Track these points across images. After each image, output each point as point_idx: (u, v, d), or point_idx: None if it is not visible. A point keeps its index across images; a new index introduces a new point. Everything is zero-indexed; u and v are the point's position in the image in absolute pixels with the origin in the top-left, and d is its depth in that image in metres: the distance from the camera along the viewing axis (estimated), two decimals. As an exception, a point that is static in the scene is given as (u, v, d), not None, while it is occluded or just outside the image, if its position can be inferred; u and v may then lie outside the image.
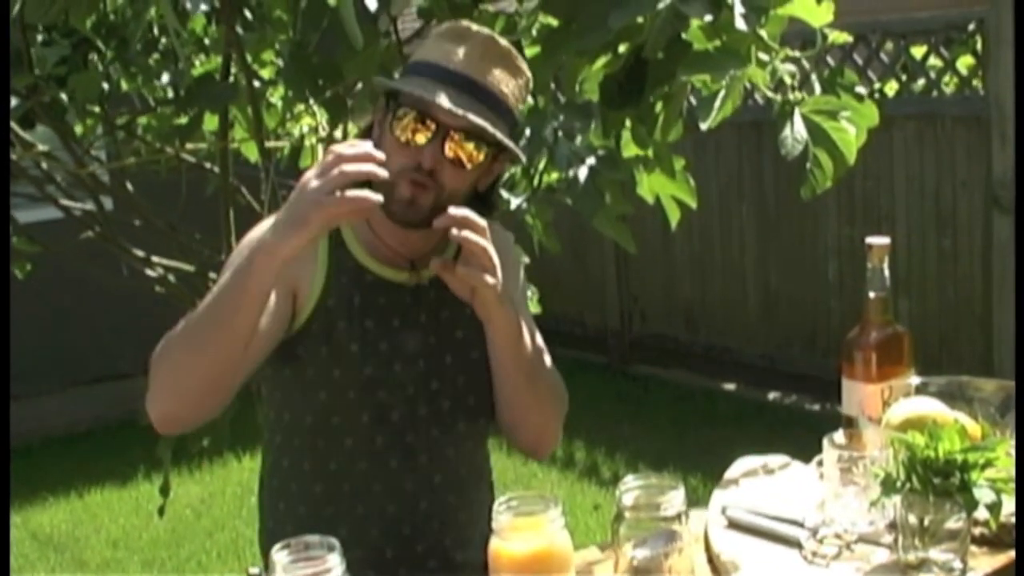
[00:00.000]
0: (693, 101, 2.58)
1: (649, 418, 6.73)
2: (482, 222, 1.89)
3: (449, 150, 1.95)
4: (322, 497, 2.09)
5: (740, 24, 2.12)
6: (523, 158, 2.10)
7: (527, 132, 2.99)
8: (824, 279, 6.54)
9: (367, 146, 1.80)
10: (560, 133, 2.85)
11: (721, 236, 7.09)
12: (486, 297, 1.95)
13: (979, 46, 5.65)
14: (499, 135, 1.95)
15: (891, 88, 6.13)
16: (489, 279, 1.90)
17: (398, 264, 2.08)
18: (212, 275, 3.57)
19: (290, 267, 1.93)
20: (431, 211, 1.96)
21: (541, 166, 3.07)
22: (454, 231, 1.87)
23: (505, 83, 1.99)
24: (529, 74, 2.06)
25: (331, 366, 2.02)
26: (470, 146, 1.95)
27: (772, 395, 6.87)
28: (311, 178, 1.76)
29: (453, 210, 1.88)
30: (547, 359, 2.20)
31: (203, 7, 2.26)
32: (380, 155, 1.79)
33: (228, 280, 1.88)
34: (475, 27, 2.00)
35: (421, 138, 1.94)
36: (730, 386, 7.13)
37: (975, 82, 5.76)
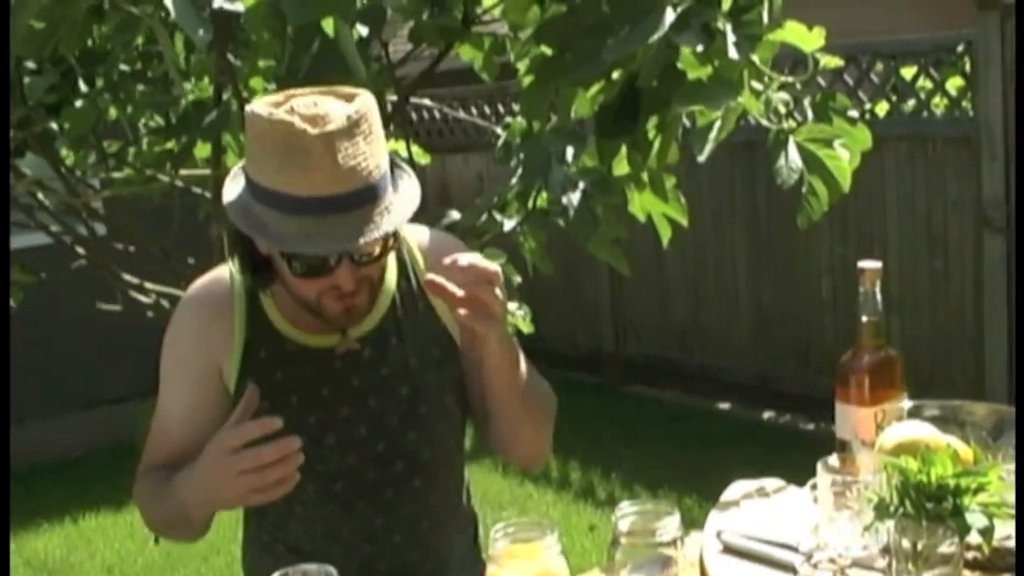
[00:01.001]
0: (687, 123, 2.60)
1: (643, 438, 6.73)
2: (493, 267, 1.80)
3: (362, 262, 1.87)
4: (284, 556, 2.07)
5: (732, 53, 2.13)
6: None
7: (520, 156, 3.00)
8: (817, 298, 6.56)
9: (276, 449, 1.74)
10: (553, 158, 2.86)
11: (714, 256, 7.11)
12: (489, 337, 1.89)
13: (968, 67, 5.68)
14: (395, 224, 1.83)
15: (882, 109, 6.17)
16: (497, 324, 1.85)
17: (325, 329, 1.99)
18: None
19: (209, 346, 1.99)
20: (370, 303, 1.95)
21: (534, 191, 3.08)
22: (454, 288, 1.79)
23: (366, 159, 1.79)
24: (363, 95, 1.84)
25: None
26: (377, 246, 1.87)
27: (766, 415, 6.89)
28: (229, 469, 1.76)
29: (464, 259, 1.79)
30: (536, 375, 2.14)
31: (201, 34, 2.26)
32: (294, 445, 1.74)
33: (173, 507, 1.97)
34: (296, 125, 1.74)
35: (328, 270, 1.85)
36: (724, 406, 7.14)
37: (964, 103, 5.79)
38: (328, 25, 2.71)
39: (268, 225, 1.78)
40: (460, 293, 1.78)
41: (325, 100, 1.81)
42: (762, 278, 6.89)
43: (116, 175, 3.87)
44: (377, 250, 1.88)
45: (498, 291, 1.81)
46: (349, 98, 1.82)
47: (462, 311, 1.82)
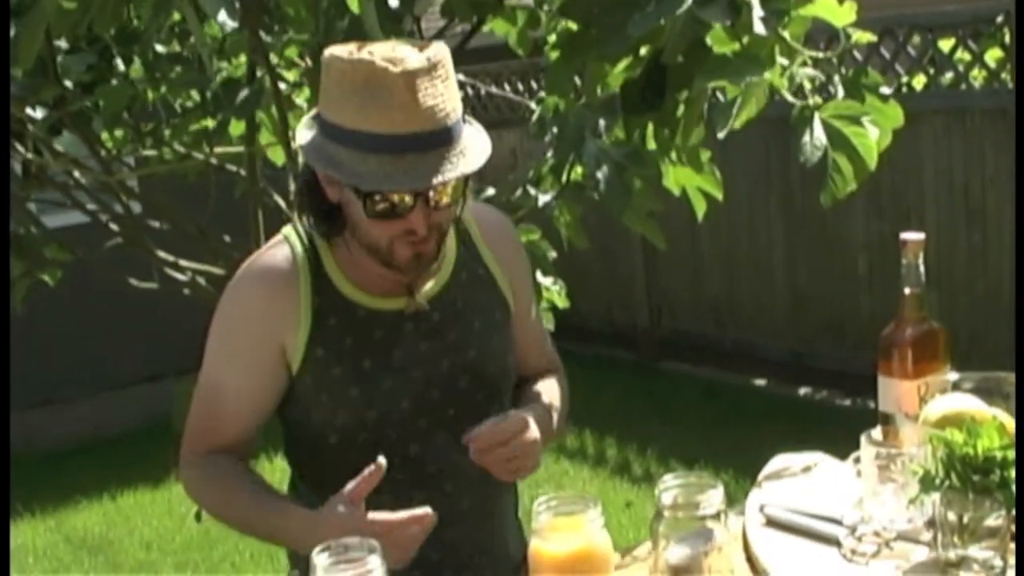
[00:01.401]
0: (721, 97, 2.58)
1: (679, 415, 6.72)
2: (532, 435, 1.94)
3: (434, 206, 1.88)
4: None
5: (759, 28, 2.11)
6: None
7: (553, 130, 2.99)
8: (853, 274, 6.52)
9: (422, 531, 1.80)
10: (587, 131, 2.85)
11: (748, 231, 7.07)
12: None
13: (1007, 39, 5.60)
14: (472, 167, 1.86)
15: (919, 82, 6.10)
16: (535, 461, 1.99)
17: (393, 291, 2.00)
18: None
19: (275, 322, 1.95)
20: (436, 252, 1.95)
21: (568, 164, 3.07)
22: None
23: (444, 101, 1.83)
24: (437, 44, 1.89)
25: (335, 411, 1.96)
26: (450, 191, 1.89)
27: (802, 391, 6.85)
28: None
29: (512, 443, 1.92)
30: (555, 408, 2.20)
31: (222, 16, 2.25)
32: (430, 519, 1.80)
33: (261, 523, 1.96)
34: (377, 64, 1.78)
35: (403, 212, 1.86)
36: (760, 382, 7.12)
37: (1003, 75, 5.71)
38: (353, 2, 2.70)
39: (344, 164, 1.82)
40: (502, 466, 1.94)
41: (401, 46, 1.84)
42: (797, 253, 6.85)
43: (151, 153, 3.88)
44: (449, 196, 1.89)
45: (536, 448, 1.96)
46: (423, 47, 1.85)
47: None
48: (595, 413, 6.75)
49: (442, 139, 1.82)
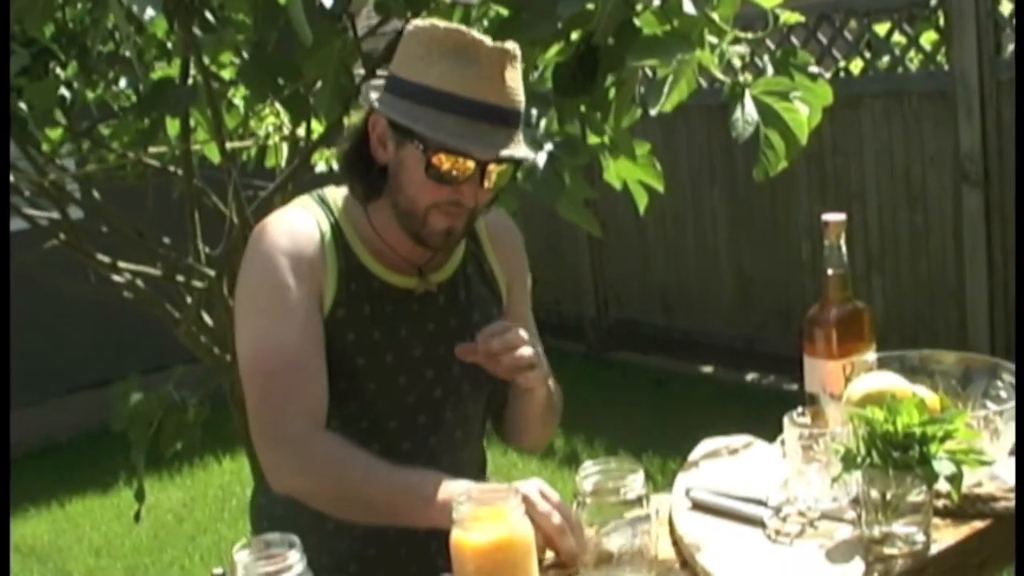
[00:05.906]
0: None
1: (628, 404, 6.73)
2: (520, 338, 1.95)
3: (487, 182, 1.91)
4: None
5: (688, 8, 2.13)
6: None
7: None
8: (797, 259, 6.56)
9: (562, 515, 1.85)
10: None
11: (694, 219, 7.10)
12: (538, 386, 2.04)
13: (941, 21, 5.66)
14: (531, 155, 1.95)
15: (856, 66, 6.15)
16: (538, 375, 2.00)
17: (405, 270, 2.05)
18: (180, 278, 3.57)
19: (312, 268, 1.96)
20: (464, 233, 2.00)
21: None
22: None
23: (520, 91, 1.91)
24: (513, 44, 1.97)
25: (337, 378, 1.96)
26: (496, 176, 1.92)
27: (750, 376, 6.88)
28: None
29: (495, 341, 1.94)
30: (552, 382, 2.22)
31: (150, 13, 2.24)
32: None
33: (410, 504, 1.87)
34: (475, 36, 1.87)
35: (460, 178, 1.89)
36: (708, 369, 7.14)
37: (939, 57, 5.77)
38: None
39: (421, 118, 1.86)
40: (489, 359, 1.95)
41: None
42: (742, 240, 6.89)
43: (89, 155, 3.85)
44: (495, 181, 1.92)
45: (525, 350, 1.96)
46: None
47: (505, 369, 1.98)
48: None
49: (513, 120, 1.89)
